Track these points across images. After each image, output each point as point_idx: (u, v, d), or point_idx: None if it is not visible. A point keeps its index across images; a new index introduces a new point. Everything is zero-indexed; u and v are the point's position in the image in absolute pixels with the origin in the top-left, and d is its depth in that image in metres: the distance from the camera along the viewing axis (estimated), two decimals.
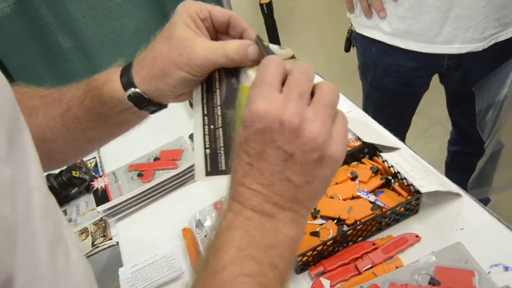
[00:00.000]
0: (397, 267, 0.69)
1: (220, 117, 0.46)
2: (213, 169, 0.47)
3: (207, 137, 0.46)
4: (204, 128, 0.47)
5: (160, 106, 0.49)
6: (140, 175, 0.99)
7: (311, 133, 0.35)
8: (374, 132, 0.97)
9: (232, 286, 0.34)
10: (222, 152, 0.46)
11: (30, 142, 0.36)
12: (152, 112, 0.50)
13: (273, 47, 0.46)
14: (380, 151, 0.88)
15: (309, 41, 3.22)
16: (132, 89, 0.46)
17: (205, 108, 0.47)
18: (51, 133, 0.50)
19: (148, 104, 0.47)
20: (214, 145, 0.46)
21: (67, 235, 0.37)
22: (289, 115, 0.34)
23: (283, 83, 0.37)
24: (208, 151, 0.46)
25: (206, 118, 0.47)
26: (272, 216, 0.37)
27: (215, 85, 0.46)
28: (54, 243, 0.34)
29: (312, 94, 0.37)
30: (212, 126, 0.46)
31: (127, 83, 0.46)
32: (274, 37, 1.18)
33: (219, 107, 0.46)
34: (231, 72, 0.46)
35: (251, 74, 0.45)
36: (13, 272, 0.27)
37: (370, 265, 0.70)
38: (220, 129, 0.46)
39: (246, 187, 0.37)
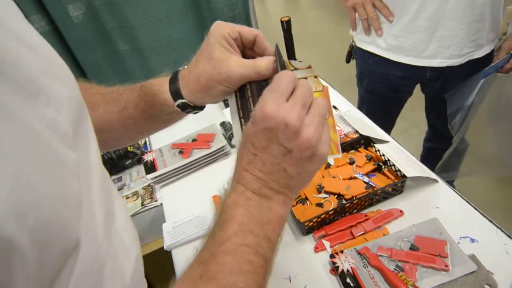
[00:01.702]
0: (384, 235, 0.69)
1: None
2: None
3: None
4: (241, 128, 0.46)
5: (201, 108, 0.49)
6: (181, 152, 0.99)
7: (308, 135, 0.35)
8: (369, 127, 0.96)
9: (235, 254, 0.34)
10: None
11: (91, 129, 0.36)
12: (194, 113, 0.50)
13: (293, 62, 0.46)
14: (374, 143, 0.88)
15: (315, 54, 3.19)
16: (181, 100, 0.46)
17: (240, 112, 0.46)
18: (109, 125, 0.49)
19: (192, 108, 0.48)
20: None
21: (116, 204, 0.37)
22: (292, 119, 0.34)
23: (290, 93, 0.37)
24: None
25: (242, 120, 0.46)
26: (268, 198, 0.37)
27: (248, 94, 0.45)
28: (107, 212, 0.34)
29: (310, 105, 0.37)
30: None
31: (176, 94, 0.46)
32: (291, 49, 1.16)
33: (253, 112, 0.46)
34: (259, 82, 0.45)
35: None
36: (80, 236, 0.27)
37: (362, 232, 0.70)
38: None
39: (250, 172, 0.36)
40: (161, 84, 0.47)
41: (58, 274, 0.26)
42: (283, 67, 0.43)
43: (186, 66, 0.47)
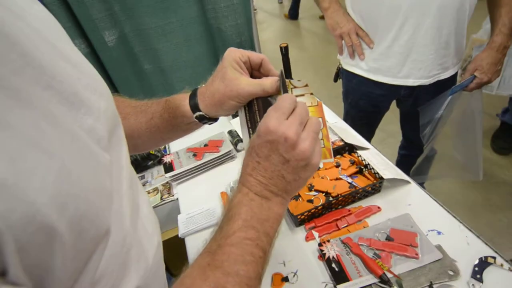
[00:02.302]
0: (364, 227, 0.69)
1: None
2: None
3: None
4: (250, 136, 0.46)
5: (215, 120, 0.49)
6: (194, 155, 0.99)
7: (304, 148, 0.35)
8: (352, 136, 0.96)
9: (239, 246, 0.34)
10: None
11: (123, 134, 0.36)
12: (210, 124, 0.50)
13: (293, 81, 0.46)
14: (356, 149, 0.87)
15: (309, 74, 3.19)
16: (198, 112, 0.46)
17: (249, 123, 0.47)
18: (138, 132, 0.50)
19: (207, 120, 0.48)
20: None
21: (141, 198, 0.37)
22: (291, 134, 0.35)
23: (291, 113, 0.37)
24: None
25: (250, 130, 0.46)
26: (268, 199, 0.37)
27: (255, 108, 0.46)
28: (134, 204, 0.34)
29: (306, 123, 0.38)
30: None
31: (195, 108, 0.46)
32: (288, 70, 1.17)
33: (259, 123, 0.46)
34: (265, 98, 0.45)
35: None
36: (110, 224, 0.28)
37: (346, 225, 0.70)
38: None
39: (253, 177, 0.37)
40: (182, 99, 0.48)
41: (91, 256, 0.26)
42: (286, 90, 0.44)
43: (203, 85, 0.47)
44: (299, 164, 0.36)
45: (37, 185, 0.20)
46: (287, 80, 0.45)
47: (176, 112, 0.48)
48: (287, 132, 0.35)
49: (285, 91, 0.43)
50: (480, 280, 0.55)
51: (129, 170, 0.35)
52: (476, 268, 0.56)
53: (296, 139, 0.35)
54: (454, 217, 0.67)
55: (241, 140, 1.02)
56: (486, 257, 0.58)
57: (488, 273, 0.56)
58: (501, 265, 0.57)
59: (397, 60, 0.99)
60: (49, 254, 0.22)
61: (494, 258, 0.58)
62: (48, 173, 0.21)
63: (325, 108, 1.16)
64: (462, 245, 0.61)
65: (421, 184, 0.94)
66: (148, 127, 0.49)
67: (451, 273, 0.57)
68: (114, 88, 1.23)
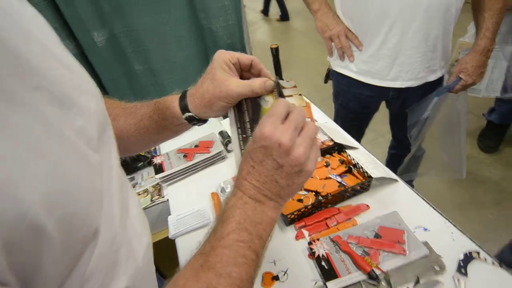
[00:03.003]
0: (353, 225, 0.70)
1: (249, 129, 0.46)
2: None
3: (241, 142, 0.46)
4: (239, 137, 0.47)
5: (204, 121, 0.49)
6: (185, 156, 0.99)
7: (298, 154, 0.35)
8: (342, 136, 0.97)
9: (232, 247, 0.34)
10: None
11: (113, 135, 0.36)
12: (199, 125, 0.50)
13: (282, 81, 0.46)
14: (346, 149, 0.89)
15: (299, 76, 3.22)
16: (188, 113, 0.46)
17: (238, 123, 0.47)
18: (127, 134, 0.49)
19: (197, 121, 0.48)
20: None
21: (131, 198, 0.37)
22: (285, 140, 0.35)
23: (285, 118, 0.38)
24: (243, 151, 0.46)
25: (239, 130, 0.46)
26: (262, 203, 0.37)
27: (244, 108, 0.46)
28: (123, 204, 0.34)
29: (302, 128, 0.38)
30: (244, 135, 0.46)
31: (184, 109, 0.46)
32: (279, 72, 1.18)
33: (248, 123, 0.46)
34: (254, 98, 0.46)
35: (268, 99, 0.45)
36: (100, 224, 0.28)
37: (335, 223, 0.71)
38: (250, 137, 0.45)
39: (248, 181, 0.37)
40: (172, 100, 0.48)
41: (80, 255, 0.26)
42: (282, 95, 0.44)
43: (193, 86, 0.48)
44: (293, 170, 0.36)
45: (27, 184, 0.20)
46: (275, 82, 0.46)
47: (165, 113, 0.48)
48: (281, 137, 0.35)
49: (281, 96, 0.44)
50: (465, 274, 0.56)
51: (119, 170, 0.35)
52: (461, 263, 0.58)
53: (290, 145, 0.35)
54: (440, 214, 0.69)
55: (231, 141, 1.03)
56: (470, 252, 0.59)
57: (472, 267, 0.57)
58: (485, 259, 0.58)
59: (386, 63, 1.01)
60: (38, 254, 0.22)
61: (478, 253, 0.59)
62: (39, 172, 0.21)
63: (315, 109, 1.17)
64: (448, 241, 0.63)
65: (409, 183, 0.96)
66: (137, 128, 0.49)
67: (437, 268, 0.58)
68: (103, 89, 1.22)
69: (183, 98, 0.47)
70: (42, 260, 0.22)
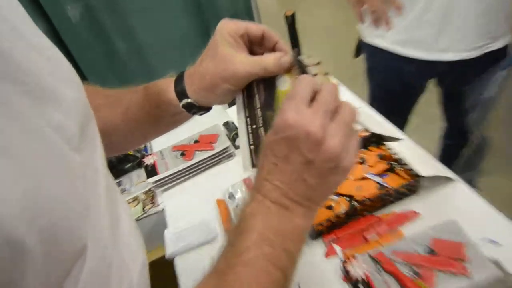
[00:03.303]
0: (399, 238, 0.68)
1: (261, 118, 0.45)
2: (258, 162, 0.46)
3: (250, 135, 0.46)
4: (247, 128, 0.46)
5: (207, 109, 0.49)
6: (182, 154, 0.99)
7: (331, 146, 0.34)
8: (380, 124, 0.96)
9: (252, 265, 0.34)
10: None
11: (97, 131, 0.36)
12: (200, 114, 0.50)
13: (303, 58, 0.45)
14: (386, 141, 0.87)
15: (321, 49, 3.18)
16: (186, 100, 0.46)
17: (247, 111, 0.46)
18: (112, 127, 0.50)
19: (197, 109, 0.48)
20: (257, 142, 0.45)
21: (121, 208, 0.38)
22: (314, 128, 0.34)
23: (312, 99, 0.36)
24: (252, 147, 0.45)
25: (248, 119, 0.46)
26: (288, 209, 0.37)
27: (254, 91, 0.45)
28: (112, 215, 0.34)
29: (336, 111, 0.36)
30: (254, 126, 0.45)
31: (181, 94, 0.46)
32: (296, 46, 1.16)
33: (259, 109, 0.45)
34: (267, 79, 0.45)
35: (285, 79, 0.44)
36: (87, 237, 0.28)
37: (375, 236, 0.70)
38: (262, 128, 0.45)
39: (270, 182, 0.37)
40: (166, 84, 0.48)
41: (67, 274, 0.27)
42: (304, 70, 0.43)
43: (192, 66, 0.47)
44: (326, 166, 0.35)
45: (1, 194, 0.21)
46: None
47: (158, 101, 0.48)
48: (309, 125, 0.34)
49: (303, 71, 0.43)
50: None
51: (106, 174, 0.35)
52: None
53: (322, 134, 0.34)
54: None
55: None
56: None
57: None
58: None
59: (433, 29, 0.99)
60: (18, 272, 0.22)
61: None
62: (14, 180, 0.22)
63: (344, 91, 1.16)
64: None
65: (470, 182, 0.93)
66: (125, 119, 0.50)
67: None
68: (80, 74, 1.23)
69: (179, 80, 0.47)
70: (24, 281, 0.23)
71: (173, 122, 0.51)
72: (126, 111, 0.49)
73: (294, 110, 0.35)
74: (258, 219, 0.36)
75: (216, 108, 0.51)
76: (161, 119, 0.49)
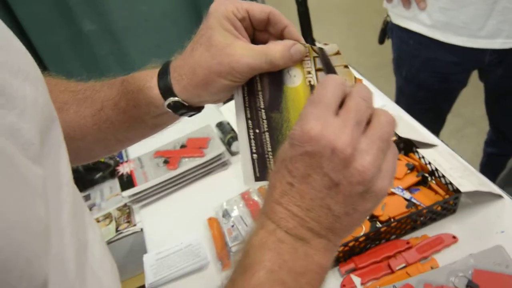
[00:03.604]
0: (432, 268, 0.69)
1: (265, 121, 0.45)
2: (262, 174, 0.46)
3: (252, 141, 0.46)
4: (249, 132, 0.46)
5: (198, 109, 0.49)
6: (166, 162, 1.00)
7: (362, 166, 0.34)
8: (410, 127, 0.96)
9: None
10: (271, 156, 0.46)
11: (61, 137, 0.36)
12: (190, 116, 0.49)
13: (317, 46, 0.45)
14: (417, 147, 0.88)
15: (339, 32, 3.20)
16: (172, 98, 0.46)
17: (248, 112, 0.46)
18: (80, 131, 0.49)
19: (186, 110, 0.47)
20: (261, 150, 0.46)
21: (91, 232, 0.37)
22: (342, 143, 0.34)
23: (341, 105, 0.36)
24: (255, 155, 0.46)
25: (250, 122, 0.46)
26: (306, 242, 0.37)
27: (257, 87, 0.46)
28: (80, 242, 0.34)
29: (369, 121, 0.36)
30: (257, 130, 0.46)
31: (166, 91, 0.46)
32: (306, 26, 1.17)
33: (263, 111, 0.46)
34: (273, 73, 0.45)
35: (295, 74, 0.45)
36: (48, 271, 0.27)
37: (403, 264, 0.70)
38: (267, 133, 0.45)
39: (283, 207, 0.36)
40: (147, 78, 0.47)
41: None
42: (330, 69, 0.43)
43: (179, 55, 0.47)
44: (354, 190, 0.35)
45: None
46: (307, 46, 0.45)
47: (138, 99, 0.48)
48: (336, 139, 0.34)
49: (330, 70, 0.43)
50: None
51: (72, 189, 0.35)
52: None
53: (351, 151, 0.34)
54: None
55: (236, 138, 1.03)
56: None
57: None
58: None
59: (478, 10, 0.99)
60: None
61: None
62: None
63: (366, 84, 1.16)
64: None
65: None
66: (97, 122, 0.49)
67: None
68: (38, 61, 1.24)
69: (163, 74, 0.47)
70: None
71: (154, 125, 0.51)
72: (99, 112, 0.49)
73: (319, 119, 0.35)
74: (267, 253, 0.36)
75: (208, 106, 0.52)
76: (141, 121, 0.49)
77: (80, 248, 0.34)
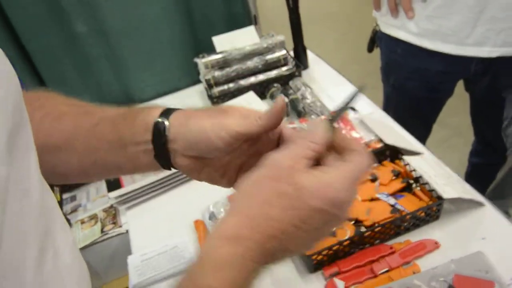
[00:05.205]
0: (414, 273, 0.69)
1: None
2: None
3: None
4: None
5: (168, 167, 0.50)
6: None
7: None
8: (396, 135, 0.97)
9: None
10: None
11: (31, 140, 0.35)
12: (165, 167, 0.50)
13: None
14: (402, 154, 0.88)
15: (330, 39, 3.22)
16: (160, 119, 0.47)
17: None
18: (71, 144, 0.49)
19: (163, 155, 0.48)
20: None
21: (60, 237, 0.37)
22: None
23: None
24: None
25: None
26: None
27: None
28: (43, 247, 0.33)
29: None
30: None
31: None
32: (297, 32, 1.18)
33: None
34: None
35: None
36: None
37: (386, 269, 0.70)
38: None
39: (279, 243, 0.39)
40: (152, 111, 0.48)
41: None
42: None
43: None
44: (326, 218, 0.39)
45: None
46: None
47: (134, 120, 0.47)
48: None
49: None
50: None
51: (41, 192, 0.34)
52: None
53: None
54: None
55: None
56: None
57: None
58: None
59: (465, 18, 0.99)
60: None
61: None
62: None
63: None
64: None
65: (503, 209, 0.95)
66: (89, 136, 0.48)
67: None
68: (30, 63, 1.23)
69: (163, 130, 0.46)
70: None
71: (131, 156, 0.49)
72: (94, 126, 0.48)
73: (347, 190, 0.39)
74: None
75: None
76: (124, 147, 0.48)
77: (42, 253, 0.33)
